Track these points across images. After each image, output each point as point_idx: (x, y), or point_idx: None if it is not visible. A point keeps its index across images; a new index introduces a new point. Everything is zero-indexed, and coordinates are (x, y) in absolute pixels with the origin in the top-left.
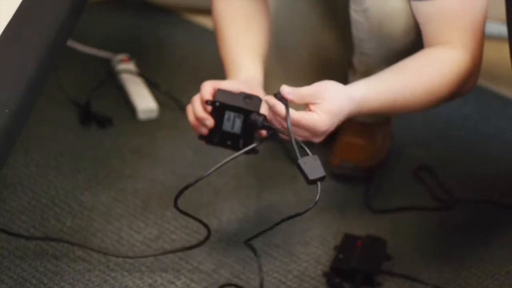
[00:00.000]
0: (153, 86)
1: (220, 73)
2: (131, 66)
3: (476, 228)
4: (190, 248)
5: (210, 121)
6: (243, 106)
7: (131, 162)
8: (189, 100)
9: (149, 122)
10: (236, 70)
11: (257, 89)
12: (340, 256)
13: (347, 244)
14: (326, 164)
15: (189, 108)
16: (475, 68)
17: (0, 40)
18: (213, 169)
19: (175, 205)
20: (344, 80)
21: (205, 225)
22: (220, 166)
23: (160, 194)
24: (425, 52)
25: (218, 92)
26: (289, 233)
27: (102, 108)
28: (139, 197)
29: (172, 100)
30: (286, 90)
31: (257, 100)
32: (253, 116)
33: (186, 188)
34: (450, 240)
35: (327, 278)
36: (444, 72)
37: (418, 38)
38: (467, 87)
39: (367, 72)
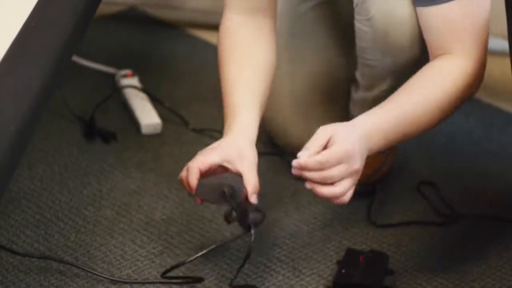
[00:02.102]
0: (156, 101)
1: None
2: (135, 81)
3: (478, 243)
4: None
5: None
6: (223, 203)
7: (135, 177)
8: (191, 114)
9: (153, 137)
10: (232, 117)
11: (243, 158)
12: (343, 271)
13: (350, 258)
14: None
15: (183, 179)
16: (481, 74)
17: (6, 57)
18: (198, 254)
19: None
20: (348, 97)
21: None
22: (206, 252)
23: (163, 209)
24: (429, 69)
25: (199, 186)
26: (292, 248)
27: (106, 123)
28: (143, 212)
29: (176, 115)
30: (301, 162)
31: (239, 188)
32: (232, 214)
33: (176, 266)
34: (452, 255)
35: None
36: (451, 89)
37: (423, 48)
38: (474, 91)
39: (371, 86)
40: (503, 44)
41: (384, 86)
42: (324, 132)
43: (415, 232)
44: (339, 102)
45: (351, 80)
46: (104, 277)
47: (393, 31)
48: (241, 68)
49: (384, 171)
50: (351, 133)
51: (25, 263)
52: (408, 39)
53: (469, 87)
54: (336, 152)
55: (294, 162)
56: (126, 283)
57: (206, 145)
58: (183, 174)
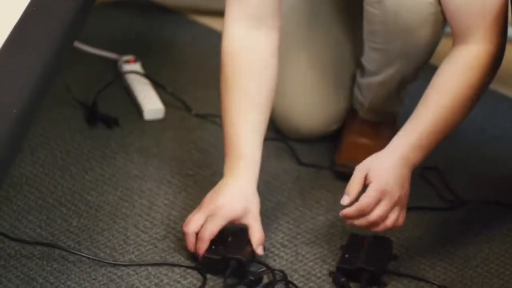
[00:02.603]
0: (159, 87)
1: None
2: (137, 66)
3: (481, 228)
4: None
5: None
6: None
7: (137, 162)
8: (194, 100)
9: (156, 122)
10: (234, 159)
11: (248, 212)
12: (346, 255)
13: (353, 243)
14: (331, 164)
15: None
16: (501, 55)
17: (7, 42)
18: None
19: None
20: (353, 80)
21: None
22: None
23: (166, 194)
24: (453, 65)
25: (204, 259)
26: (295, 233)
27: (109, 108)
28: (146, 197)
29: (178, 101)
30: (345, 214)
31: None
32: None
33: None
34: (456, 240)
35: (333, 278)
36: (478, 81)
37: (434, 31)
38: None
39: (377, 71)
40: (508, 31)
41: (390, 71)
42: (360, 171)
43: (418, 217)
44: (345, 87)
45: (357, 65)
46: (107, 262)
47: (404, 12)
48: (244, 102)
49: None
50: (387, 163)
51: (27, 249)
52: (418, 21)
53: (493, 72)
54: (372, 196)
55: (341, 214)
56: (128, 266)
57: (209, 130)
58: (189, 240)
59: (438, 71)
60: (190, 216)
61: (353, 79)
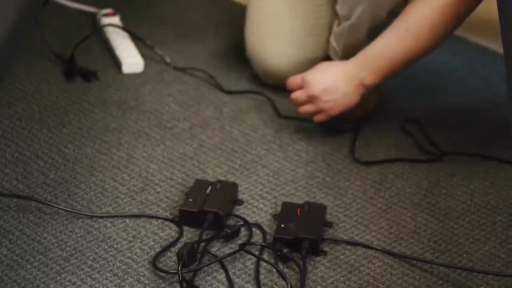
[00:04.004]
0: (138, 39)
1: (205, 26)
2: (116, 20)
3: (462, 180)
4: None
5: None
6: None
7: (116, 115)
8: (173, 53)
9: (134, 76)
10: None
11: None
12: (282, 225)
13: (287, 212)
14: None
15: None
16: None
17: None
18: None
19: (155, 266)
20: (329, 31)
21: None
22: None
23: (144, 147)
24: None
25: (181, 212)
26: (274, 185)
27: (87, 62)
28: (124, 149)
29: (157, 54)
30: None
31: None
32: None
33: (167, 248)
34: (437, 192)
35: (275, 249)
36: (441, 15)
37: None
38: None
39: (349, 14)
40: None
41: (359, 12)
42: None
43: (399, 169)
44: (320, 36)
45: (333, 16)
46: (83, 214)
47: None
48: None
49: (368, 108)
50: (328, 68)
51: (4, 201)
52: None
53: (464, 15)
54: (295, 78)
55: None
56: (105, 218)
57: (188, 83)
58: None
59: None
60: None
61: (329, 31)
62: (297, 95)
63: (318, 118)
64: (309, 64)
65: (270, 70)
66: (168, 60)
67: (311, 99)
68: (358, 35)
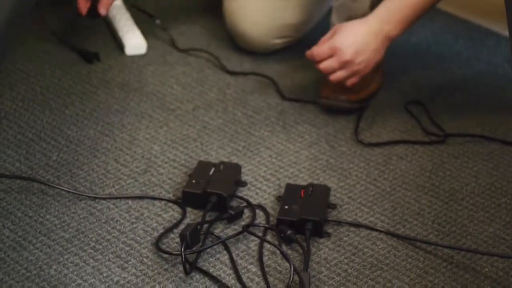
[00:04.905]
0: (148, 17)
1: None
2: (118, 1)
3: (467, 162)
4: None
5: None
6: None
7: (118, 97)
8: (177, 34)
9: (137, 57)
10: None
11: None
12: (286, 207)
13: (291, 193)
14: (317, 96)
15: None
16: None
17: None
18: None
19: (158, 247)
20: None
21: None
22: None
23: (147, 129)
24: None
25: (184, 193)
26: (278, 166)
27: (90, 43)
28: (126, 131)
29: (163, 33)
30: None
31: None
32: None
33: (170, 229)
34: (441, 173)
35: (278, 231)
36: None
37: None
38: None
39: None
40: None
41: None
42: (332, 30)
43: (403, 151)
44: (296, 4)
45: None
46: (86, 196)
47: None
48: None
49: (371, 89)
50: (354, 28)
51: (6, 183)
52: None
53: None
54: (322, 49)
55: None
56: (108, 200)
57: (191, 65)
58: None
59: None
60: None
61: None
62: (329, 64)
63: (352, 81)
64: (278, 30)
65: (241, 32)
66: (172, 41)
67: (343, 65)
68: (361, 3)
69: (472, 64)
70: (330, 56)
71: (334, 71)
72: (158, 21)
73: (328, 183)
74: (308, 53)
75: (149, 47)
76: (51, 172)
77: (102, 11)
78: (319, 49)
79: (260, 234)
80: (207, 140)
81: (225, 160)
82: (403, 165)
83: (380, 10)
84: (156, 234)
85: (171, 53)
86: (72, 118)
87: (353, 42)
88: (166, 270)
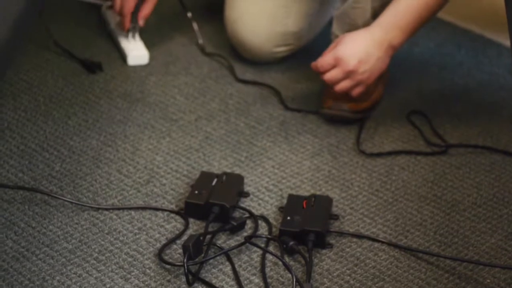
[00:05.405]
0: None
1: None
2: None
3: (468, 173)
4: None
5: None
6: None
7: (121, 107)
8: (180, 43)
9: (140, 68)
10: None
11: None
12: (288, 218)
13: (293, 204)
14: (319, 107)
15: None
16: None
17: None
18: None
19: (160, 258)
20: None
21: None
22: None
23: (150, 139)
24: None
25: (187, 204)
26: (280, 177)
27: (92, 54)
28: (129, 142)
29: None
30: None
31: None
32: None
33: (173, 240)
34: (443, 184)
35: (281, 242)
36: None
37: None
38: None
39: None
40: None
41: None
42: (335, 41)
43: (405, 161)
44: (296, 12)
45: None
46: (89, 206)
47: None
48: None
49: (374, 100)
50: (357, 37)
51: (9, 193)
52: None
53: None
54: (325, 60)
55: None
56: (111, 210)
57: (193, 75)
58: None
59: None
60: None
61: (306, 6)
62: (333, 75)
63: (357, 91)
64: (278, 38)
65: (242, 41)
66: (200, 40)
67: (348, 75)
68: (362, 12)
69: (474, 74)
70: (334, 66)
71: (338, 81)
72: (189, 14)
73: (330, 194)
74: (313, 64)
75: (151, 58)
76: (54, 183)
77: (141, 22)
78: (322, 60)
79: (263, 245)
80: (210, 150)
81: (228, 170)
82: (405, 175)
83: (383, 18)
84: (158, 245)
85: (173, 63)
86: (74, 129)
87: (356, 51)
88: (168, 281)
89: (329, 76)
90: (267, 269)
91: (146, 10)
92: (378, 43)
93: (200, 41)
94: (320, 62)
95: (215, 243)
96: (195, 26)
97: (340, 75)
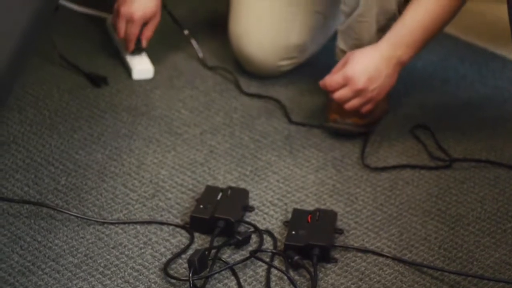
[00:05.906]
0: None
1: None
2: None
3: (473, 187)
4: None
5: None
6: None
7: (126, 121)
8: (184, 57)
9: (145, 81)
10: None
11: None
12: (293, 232)
13: (298, 219)
14: (323, 120)
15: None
16: None
17: None
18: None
19: (166, 272)
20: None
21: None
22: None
23: (155, 153)
24: None
25: (192, 218)
26: (285, 191)
27: (98, 67)
28: (134, 156)
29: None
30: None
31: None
32: None
33: (178, 255)
34: (447, 199)
35: (286, 256)
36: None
37: None
38: None
39: (355, 3)
40: None
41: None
42: (343, 59)
43: (409, 175)
44: (299, 24)
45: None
46: (95, 220)
47: None
48: None
49: (378, 114)
50: (365, 55)
51: (15, 208)
52: None
53: None
54: (334, 79)
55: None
56: (116, 225)
57: (198, 89)
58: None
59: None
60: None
61: (309, 20)
62: (343, 94)
63: (367, 108)
64: (283, 51)
65: (246, 55)
66: (200, 55)
67: (357, 93)
68: (367, 26)
69: (477, 88)
70: (343, 85)
71: (348, 100)
72: (186, 32)
73: (335, 208)
74: (321, 83)
75: (156, 72)
76: (59, 197)
77: (144, 43)
78: (331, 79)
79: (268, 260)
80: (215, 164)
81: (233, 184)
82: (409, 190)
83: (391, 35)
84: (164, 260)
85: (178, 77)
86: (80, 142)
87: (365, 69)
88: None
89: (339, 95)
90: (272, 284)
91: (149, 32)
92: (386, 60)
93: (201, 55)
94: (329, 81)
95: (220, 258)
96: (193, 42)
97: (350, 94)
